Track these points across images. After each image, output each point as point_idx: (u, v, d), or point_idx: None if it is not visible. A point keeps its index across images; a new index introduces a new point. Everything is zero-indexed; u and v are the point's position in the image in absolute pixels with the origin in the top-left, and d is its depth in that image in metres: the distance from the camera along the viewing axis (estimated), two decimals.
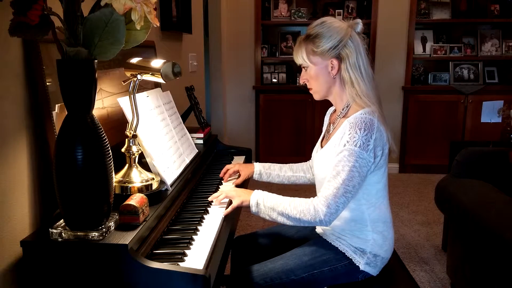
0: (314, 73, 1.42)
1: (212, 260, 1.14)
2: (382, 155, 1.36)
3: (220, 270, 1.23)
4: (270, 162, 1.81)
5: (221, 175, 1.78)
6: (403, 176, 4.47)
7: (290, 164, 1.78)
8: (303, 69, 1.46)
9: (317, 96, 1.49)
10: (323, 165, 1.42)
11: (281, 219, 1.37)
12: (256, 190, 1.44)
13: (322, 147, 1.51)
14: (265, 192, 1.43)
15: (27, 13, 0.88)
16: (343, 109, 1.44)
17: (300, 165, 1.77)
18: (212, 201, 1.50)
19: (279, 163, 1.80)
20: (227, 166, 1.80)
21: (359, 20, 1.43)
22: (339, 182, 1.31)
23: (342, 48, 1.38)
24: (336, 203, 1.30)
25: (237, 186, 1.73)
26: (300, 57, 1.43)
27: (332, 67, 1.40)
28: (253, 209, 1.40)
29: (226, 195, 1.47)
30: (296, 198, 1.38)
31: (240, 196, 1.43)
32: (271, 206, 1.38)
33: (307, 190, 3.71)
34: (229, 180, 1.77)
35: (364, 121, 1.32)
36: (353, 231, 1.43)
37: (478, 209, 1.83)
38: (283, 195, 1.41)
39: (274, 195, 1.42)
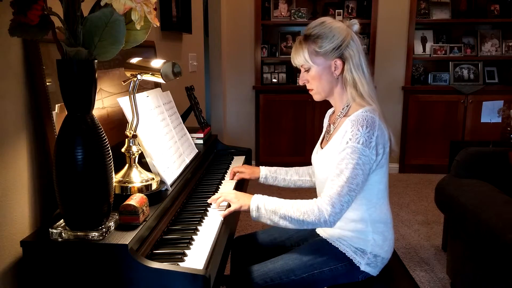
0: (317, 73, 1.41)
1: (212, 260, 1.14)
2: (383, 153, 1.36)
3: (220, 270, 1.23)
4: (270, 162, 1.81)
5: (230, 176, 1.78)
6: (403, 176, 4.47)
7: (296, 167, 1.77)
8: (302, 70, 1.45)
9: (317, 97, 1.48)
10: (325, 166, 1.41)
11: (283, 223, 1.34)
12: (256, 194, 1.41)
13: (322, 148, 1.50)
14: (265, 196, 1.39)
15: (27, 13, 0.88)
16: (343, 108, 1.44)
17: (305, 169, 1.75)
18: (211, 203, 1.48)
19: (279, 163, 1.79)
20: (234, 167, 1.80)
21: (355, 21, 1.43)
22: (343, 181, 1.29)
23: (345, 48, 1.37)
24: (340, 202, 1.29)
25: (236, 186, 1.73)
26: (302, 57, 1.41)
27: (335, 67, 1.40)
28: (254, 214, 1.36)
29: (224, 199, 1.44)
30: (298, 200, 1.35)
31: (239, 200, 1.40)
32: (273, 210, 1.34)
33: (307, 191, 3.70)
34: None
35: (365, 119, 1.32)
36: (353, 231, 1.43)
37: (478, 209, 1.83)
38: (282, 197, 1.40)
39: (275, 198, 1.38)
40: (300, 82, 1.48)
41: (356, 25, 1.42)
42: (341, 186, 1.29)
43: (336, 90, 1.44)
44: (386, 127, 1.37)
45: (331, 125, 1.50)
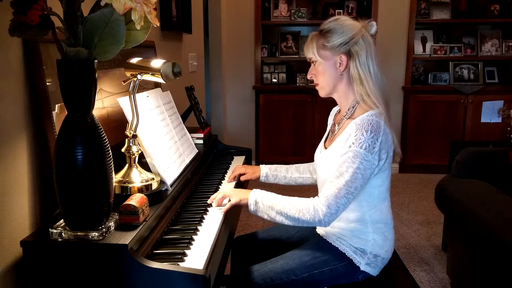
0: (322, 68, 1.42)
1: (212, 260, 1.14)
2: (386, 158, 1.36)
3: (220, 270, 1.23)
4: (270, 162, 1.80)
5: (230, 178, 1.77)
6: (403, 176, 4.47)
7: (297, 165, 1.77)
8: (311, 63, 1.46)
9: (322, 92, 1.48)
10: (327, 166, 1.41)
11: (279, 218, 1.36)
12: (254, 189, 1.44)
13: (326, 148, 1.50)
14: (264, 191, 1.42)
15: (27, 13, 0.88)
16: (348, 109, 1.44)
17: (306, 166, 1.75)
18: (211, 204, 1.48)
19: (279, 163, 1.79)
20: (236, 168, 1.80)
21: (373, 22, 1.42)
22: (341, 183, 1.30)
23: (352, 45, 1.37)
24: (337, 203, 1.30)
25: (237, 186, 1.73)
26: (310, 50, 1.42)
27: (340, 63, 1.40)
28: (252, 207, 1.40)
29: (224, 195, 1.46)
30: (296, 198, 1.37)
31: (238, 195, 1.43)
32: (270, 205, 1.37)
33: (307, 190, 3.71)
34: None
35: (371, 123, 1.31)
36: (353, 231, 1.43)
37: (478, 209, 1.83)
38: (282, 195, 1.41)
39: (273, 194, 1.41)
40: (308, 75, 1.48)
41: (373, 27, 1.41)
42: (339, 188, 1.30)
43: (340, 86, 1.44)
44: (391, 132, 1.37)
45: (336, 125, 1.49)
